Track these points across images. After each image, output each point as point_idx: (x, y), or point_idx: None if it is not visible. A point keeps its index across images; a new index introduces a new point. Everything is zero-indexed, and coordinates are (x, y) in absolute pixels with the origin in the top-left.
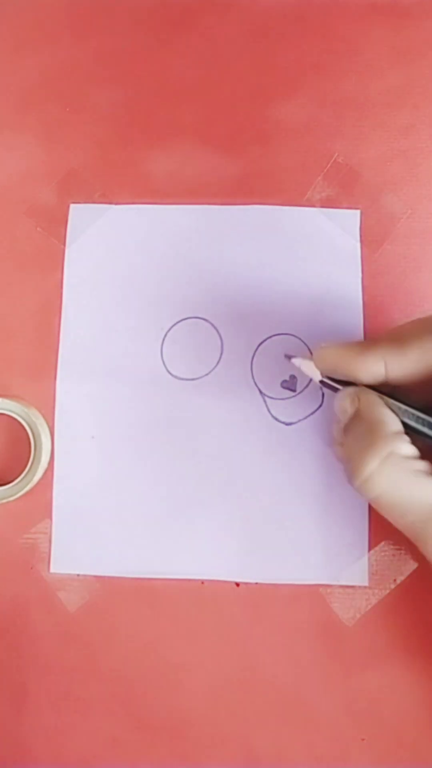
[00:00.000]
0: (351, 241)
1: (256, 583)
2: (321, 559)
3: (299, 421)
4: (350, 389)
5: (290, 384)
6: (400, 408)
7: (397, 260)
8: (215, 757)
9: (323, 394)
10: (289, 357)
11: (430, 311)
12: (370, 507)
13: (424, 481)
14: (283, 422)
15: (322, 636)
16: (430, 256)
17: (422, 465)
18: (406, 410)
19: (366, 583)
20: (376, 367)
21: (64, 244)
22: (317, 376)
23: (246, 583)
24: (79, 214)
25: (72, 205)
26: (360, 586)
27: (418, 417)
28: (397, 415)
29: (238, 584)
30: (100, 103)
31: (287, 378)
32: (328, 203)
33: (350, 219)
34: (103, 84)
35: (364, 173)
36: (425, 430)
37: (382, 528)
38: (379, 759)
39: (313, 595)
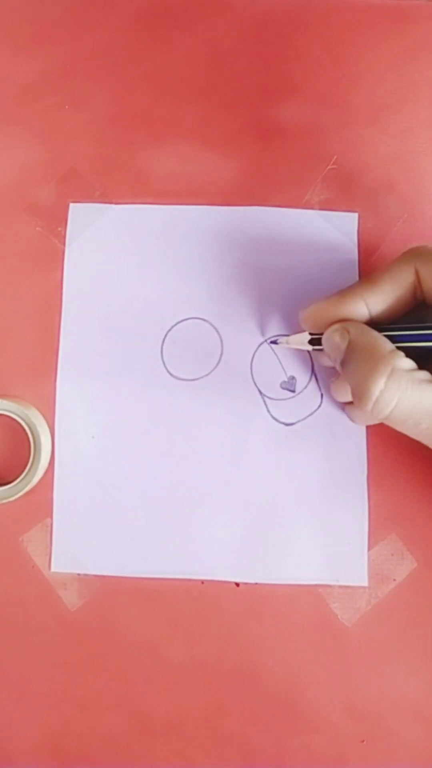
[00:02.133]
0: (349, 243)
1: (256, 583)
2: (320, 560)
3: (299, 421)
4: (336, 324)
5: (289, 385)
6: (389, 333)
7: None
8: (215, 757)
9: (322, 395)
10: (273, 341)
11: None
12: (369, 507)
13: (430, 388)
14: (283, 423)
15: (322, 636)
16: None
17: (424, 374)
18: (391, 328)
19: (365, 584)
20: (358, 307)
21: (64, 243)
22: (305, 340)
23: (246, 583)
24: (78, 213)
25: (71, 205)
26: (359, 586)
27: (408, 333)
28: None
29: (237, 584)
30: (100, 102)
31: (286, 379)
32: (326, 205)
33: (348, 221)
34: (103, 83)
35: (363, 176)
36: (420, 344)
37: (382, 528)
38: (378, 759)
39: (313, 595)
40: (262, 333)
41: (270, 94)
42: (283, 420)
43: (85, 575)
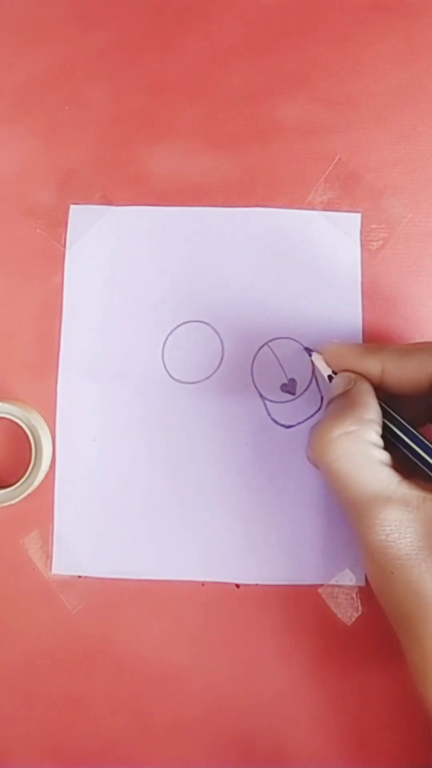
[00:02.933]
0: (351, 244)
1: (256, 584)
2: (320, 560)
3: (298, 424)
4: (351, 374)
5: (290, 387)
6: (384, 408)
7: (397, 264)
8: (215, 757)
9: (322, 398)
10: (309, 351)
11: (430, 316)
12: None
13: (374, 466)
14: (283, 425)
15: (321, 636)
16: (430, 260)
17: (381, 454)
18: (390, 413)
19: (364, 583)
20: (374, 366)
21: (64, 245)
22: (327, 372)
23: (246, 585)
24: (79, 215)
25: (72, 206)
26: (358, 586)
27: (399, 422)
28: (385, 418)
29: (238, 585)
30: (100, 103)
31: (286, 381)
32: (329, 206)
33: (351, 222)
34: (103, 83)
35: (366, 176)
36: (404, 437)
37: None
38: (377, 759)
39: (312, 595)
40: (264, 336)
41: (271, 93)
42: (283, 422)
43: (86, 577)
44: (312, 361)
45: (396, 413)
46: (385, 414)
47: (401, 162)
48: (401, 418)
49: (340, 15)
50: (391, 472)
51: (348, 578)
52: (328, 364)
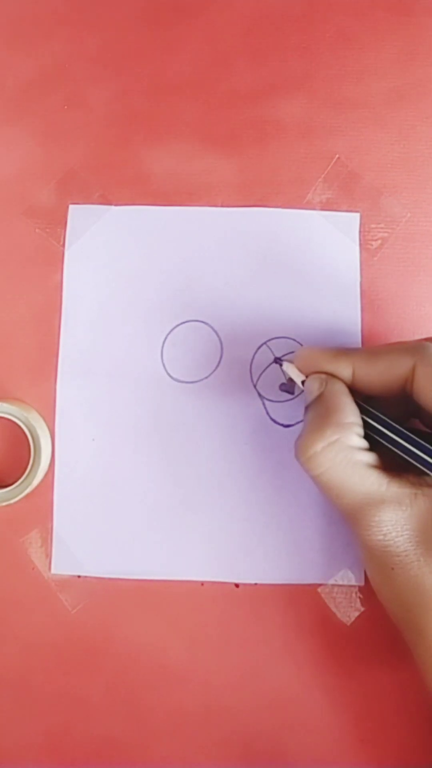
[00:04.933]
0: (350, 244)
1: (255, 584)
2: (319, 560)
3: (297, 423)
4: (322, 375)
5: (288, 387)
6: (361, 405)
7: (396, 264)
8: (215, 757)
9: None
10: (279, 362)
11: (429, 315)
12: None
13: (362, 471)
14: (282, 424)
15: (321, 636)
16: (429, 260)
17: (367, 457)
18: (366, 408)
19: (363, 583)
20: (344, 368)
21: (63, 245)
22: (300, 378)
23: (245, 584)
24: (78, 214)
25: (71, 206)
26: (358, 586)
27: (377, 416)
28: (363, 414)
29: (237, 585)
30: (99, 102)
31: (285, 381)
32: (328, 206)
33: (350, 222)
34: (102, 82)
35: (365, 176)
36: (386, 432)
37: None
38: (378, 759)
39: (312, 595)
40: (262, 335)
41: (271, 93)
42: (281, 422)
43: (85, 577)
44: (284, 371)
45: (374, 410)
46: (363, 411)
47: (400, 162)
48: (380, 413)
49: (339, 15)
50: (380, 473)
51: (347, 578)
52: (301, 371)
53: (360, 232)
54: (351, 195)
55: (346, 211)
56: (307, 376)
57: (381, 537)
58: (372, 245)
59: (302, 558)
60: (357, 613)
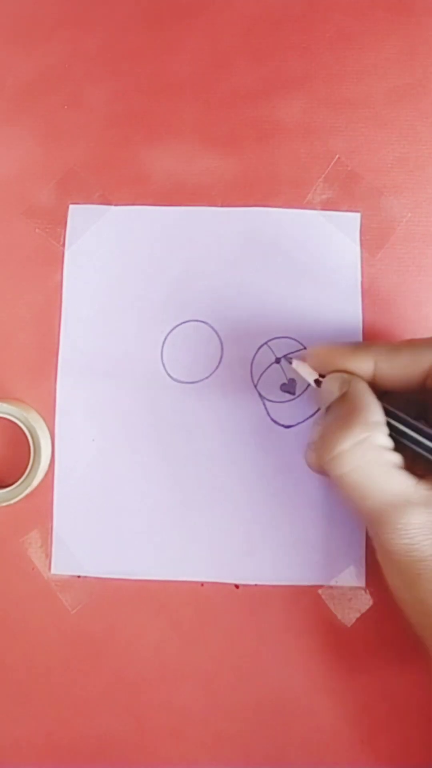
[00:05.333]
0: (351, 244)
1: (255, 585)
2: (319, 561)
3: (298, 424)
4: (344, 374)
5: (289, 387)
6: (385, 407)
7: (397, 263)
8: (215, 757)
9: None
10: (288, 359)
11: (429, 316)
12: None
13: (390, 472)
14: (282, 425)
15: (321, 637)
16: (430, 260)
17: (394, 457)
18: (390, 410)
19: (364, 584)
20: (365, 363)
21: (63, 245)
22: (312, 377)
23: (245, 585)
24: (78, 214)
25: (71, 206)
26: (358, 587)
27: (401, 417)
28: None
29: (237, 586)
30: (99, 102)
31: (286, 381)
32: (328, 206)
33: (350, 222)
34: (102, 82)
35: (365, 175)
36: (407, 430)
37: None
38: (377, 760)
39: (312, 596)
40: (263, 335)
41: (271, 93)
42: (282, 422)
43: (85, 577)
44: (292, 369)
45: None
46: (387, 413)
47: (400, 161)
48: (403, 413)
49: (339, 15)
50: (407, 475)
51: (348, 579)
52: (317, 367)
53: (361, 231)
54: (351, 195)
55: (347, 210)
56: (320, 375)
57: (407, 541)
58: (373, 245)
59: (302, 559)
60: (357, 615)
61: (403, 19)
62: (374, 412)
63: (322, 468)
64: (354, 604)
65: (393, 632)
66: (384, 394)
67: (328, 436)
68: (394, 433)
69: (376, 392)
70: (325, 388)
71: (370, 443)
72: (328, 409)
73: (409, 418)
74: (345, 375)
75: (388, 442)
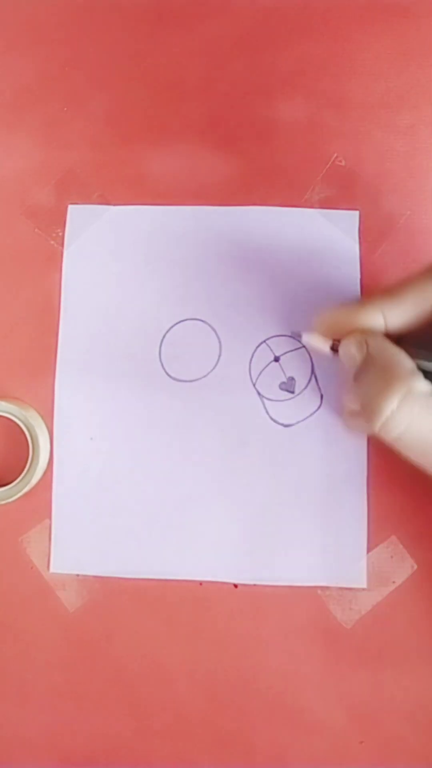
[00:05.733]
0: (350, 242)
1: (255, 585)
2: (319, 561)
3: (297, 422)
4: (356, 335)
5: (288, 386)
6: (410, 350)
7: (395, 261)
8: (215, 757)
9: (321, 396)
10: (297, 334)
11: None
12: (369, 509)
13: None
14: (282, 424)
15: (321, 638)
16: (428, 257)
17: None
18: (417, 351)
19: (364, 585)
20: (374, 318)
21: (62, 245)
22: (326, 345)
23: (244, 585)
24: (77, 215)
25: (70, 206)
26: (358, 588)
27: (428, 356)
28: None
29: (236, 585)
30: (99, 103)
31: (285, 380)
32: (327, 204)
33: (349, 220)
34: (102, 83)
35: (363, 174)
36: None
37: (381, 530)
38: (377, 761)
39: (312, 596)
40: (262, 334)
41: (269, 92)
42: (282, 421)
43: (84, 576)
44: (304, 344)
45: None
46: (411, 356)
47: (399, 160)
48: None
49: (337, 15)
50: None
51: (349, 580)
52: (326, 333)
53: (359, 229)
54: (350, 193)
55: (345, 209)
56: (334, 341)
57: None
58: (371, 243)
59: (302, 559)
60: (357, 616)
61: (400, 20)
62: (404, 363)
63: (373, 434)
64: (354, 606)
65: (392, 634)
66: (400, 339)
67: (371, 403)
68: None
69: (393, 340)
70: (345, 353)
71: (413, 395)
72: (356, 376)
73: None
74: (359, 335)
75: (429, 387)
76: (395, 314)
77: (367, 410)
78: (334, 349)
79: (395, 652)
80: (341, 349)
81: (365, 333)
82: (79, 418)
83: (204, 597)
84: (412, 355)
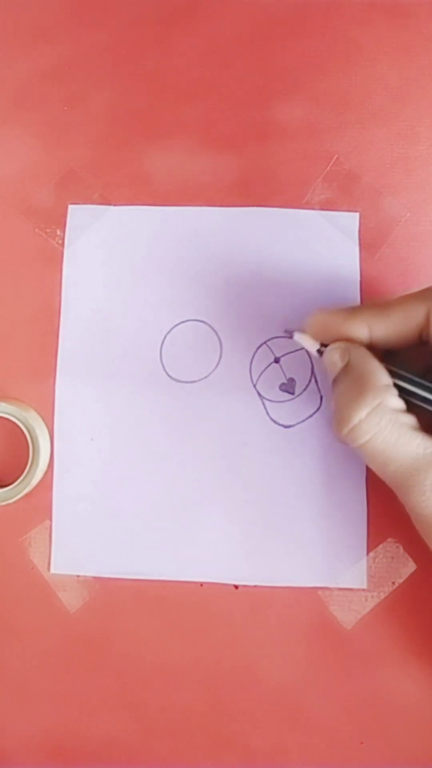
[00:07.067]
0: (350, 243)
1: (255, 586)
2: (320, 562)
3: (298, 423)
4: (341, 343)
5: (289, 387)
6: (391, 368)
7: (395, 263)
8: (215, 757)
9: (321, 397)
10: (289, 332)
11: None
12: (369, 510)
13: (408, 434)
14: (282, 425)
15: (321, 639)
16: (428, 259)
17: (408, 419)
18: (398, 370)
19: (365, 586)
20: (360, 329)
21: (63, 245)
22: (314, 347)
23: (245, 586)
24: (77, 215)
25: (70, 206)
26: (359, 589)
27: (406, 377)
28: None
29: (236, 586)
30: (99, 103)
31: (285, 381)
32: (327, 206)
33: (349, 222)
34: (102, 83)
35: (364, 176)
36: (414, 389)
37: (381, 530)
38: (377, 761)
39: (312, 597)
40: (262, 335)
41: (270, 93)
42: (282, 422)
43: (85, 577)
44: (296, 341)
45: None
46: (392, 374)
47: (399, 161)
48: (407, 372)
49: (337, 15)
50: (424, 435)
51: (349, 581)
52: (314, 335)
53: (360, 231)
54: (350, 195)
55: (346, 210)
56: (321, 345)
57: None
58: (372, 245)
59: (302, 560)
60: (358, 617)
61: (400, 20)
62: (380, 377)
63: (345, 442)
64: (354, 606)
65: (392, 635)
66: (388, 354)
67: (341, 409)
68: (403, 394)
69: (378, 354)
70: (328, 359)
71: (383, 408)
72: (334, 381)
73: (414, 377)
74: (343, 344)
75: (401, 404)
76: (380, 328)
77: (337, 415)
78: (321, 352)
79: (395, 652)
80: (325, 355)
81: (350, 342)
82: (79, 419)
83: (204, 598)
84: (392, 374)
